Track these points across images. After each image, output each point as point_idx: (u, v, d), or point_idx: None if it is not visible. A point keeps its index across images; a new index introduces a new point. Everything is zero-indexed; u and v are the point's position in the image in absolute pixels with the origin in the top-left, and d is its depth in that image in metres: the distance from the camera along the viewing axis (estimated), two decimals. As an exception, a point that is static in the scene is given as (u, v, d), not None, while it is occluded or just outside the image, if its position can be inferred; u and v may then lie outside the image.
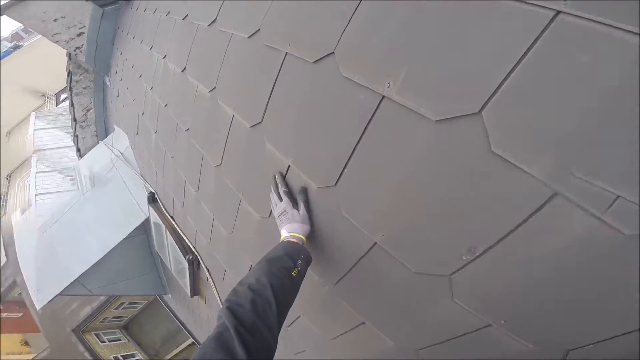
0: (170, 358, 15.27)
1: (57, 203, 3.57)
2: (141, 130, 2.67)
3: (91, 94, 4.27)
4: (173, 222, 2.42)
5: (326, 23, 0.89)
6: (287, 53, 1.01)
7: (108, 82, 3.89)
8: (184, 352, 14.92)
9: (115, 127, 3.86)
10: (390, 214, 0.79)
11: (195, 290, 2.86)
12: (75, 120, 4.39)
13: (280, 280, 0.77)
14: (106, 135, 4.60)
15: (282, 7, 1.07)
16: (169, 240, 2.60)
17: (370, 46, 0.77)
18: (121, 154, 3.28)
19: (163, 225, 2.57)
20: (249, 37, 1.20)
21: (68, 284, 3.20)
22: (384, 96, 0.74)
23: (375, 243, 0.84)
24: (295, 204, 0.99)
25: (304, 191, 0.98)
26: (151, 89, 2.26)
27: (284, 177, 1.06)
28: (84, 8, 3.26)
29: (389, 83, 0.73)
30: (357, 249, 0.90)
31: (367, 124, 0.79)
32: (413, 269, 0.78)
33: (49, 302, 3.23)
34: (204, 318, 3.16)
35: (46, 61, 23.86)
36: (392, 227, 0.80)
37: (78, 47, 3.62)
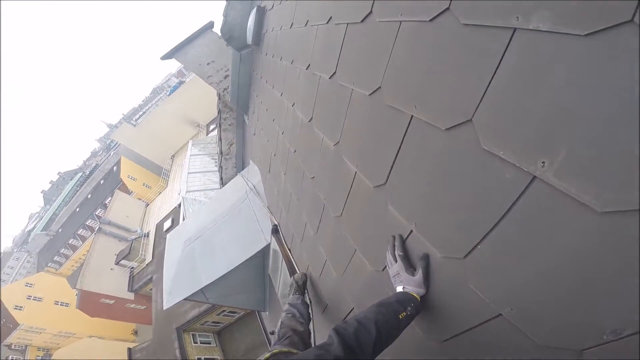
0: None
1: (201, 222, 4.26)
2: (272, 170, 3.01)
3: (234, 130, 5.09)
4: (289, 254, 2.63)
5: (459, 84, 0.80)
6: (412, 116, 0.98)
7: (247, 121, 4.57)
8: None
9: (251, 161, 4.48)
10: (527, 295, 0.71)
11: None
12: (221, 153, 5.28)
13: (385, 318, 0.91)
14: (243, 167, 5.39)
15: (403, 64, 1.02)
16: (283, 266, 2.85)
17: (519, 115, 0.67)
18: (254, 187, 3.77)
19: (280, 254, 2.83)
20: (369, 95, 1.20)
21: (194, 291, 3.80)
22: (535, 176, 0.64)
23: (500, 314, 0.78)
24: (409, 267, 1.03)
25: (426, 258, 0.98)
26: (282, 133, 2.53)
27: (403, 241, 1.07)
28: (227, 52, 3.99)
29: (543, 162, 0.62)
30: (477, 316, 0.85)
31: (512, 205, 0.70)
32: (539, 342, 0.71)
33: (175, 304, 3.85)
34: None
35: (201, 95, 29.86)
36: (524, 305, 0.73)
37: (225, 89, 4.40)
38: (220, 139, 5.22)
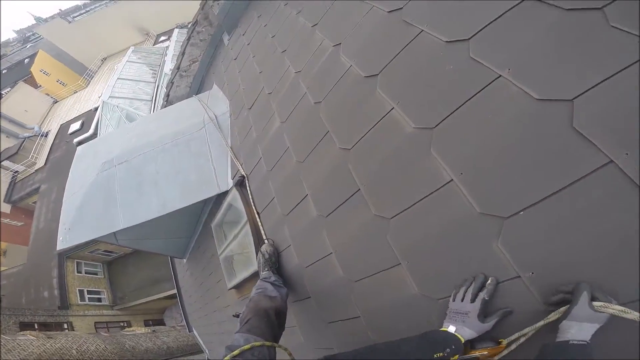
0: (132, 305, 15.45)
1: (130, 143, 3.41)
2: (258, 109, 2.43)
3: (204, 47, 4.27)
4: (257, 218, 2.18)
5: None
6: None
7: (226, 41, 3.83)
8: (149, 303, 14.86)
9: (215, 86, 3.77)
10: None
11: (238, 287, 2.77)
12: (178, 68, 4.42)
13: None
14: (199, 90, 4.60)
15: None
16: (244, 232, 2.40)
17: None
18: (215, 117, 3.13)
19: (245, 215, 2.34)
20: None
21: (105, 234, 3.08)
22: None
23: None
24: (481, 316, 0.93)
25: (505, 314, 0.91)
26: (297, 72, 2.00)
27: (496, 285, 0.93)
28: None
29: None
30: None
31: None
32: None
33: (73, 245, 3.11)
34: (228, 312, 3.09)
35: (162, 5, 26.79)
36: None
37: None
38: (182, 53, 4.34)
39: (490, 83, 0.93)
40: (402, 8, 1.32)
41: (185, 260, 5.28)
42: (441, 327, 0.98)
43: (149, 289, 15.08)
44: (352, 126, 1.42)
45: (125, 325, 15.43)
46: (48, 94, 29.41)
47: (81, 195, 3.16)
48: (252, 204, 2.31)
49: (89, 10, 31.04)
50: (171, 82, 4.58)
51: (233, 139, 2.83)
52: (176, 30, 15.87)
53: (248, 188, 2.36)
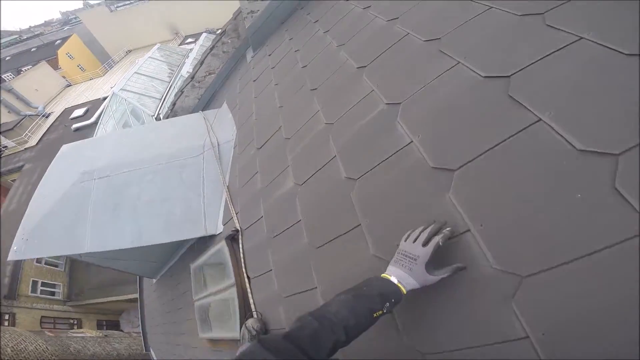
0: (87, 304, 14.19)
1: (117, 155, 2.92)
2: (271, 154, 1.93)
3: (225, 60, 3.88)
4: (248, 285, 1.73)
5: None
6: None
7: (249, 58, 3.42)
8: (106, 304, 13.60)
9: (225, 105, 3.32)
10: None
11: (212, 340, 2.28)
12: (192, 77, 4.01)
13: (357, 318, 0.78)
14: (208, 105, 4.17)
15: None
16: (229, 293, 1.92)
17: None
18: (218, 145, 2.64)
19: (232, 275, 1.84)
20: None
21: (67, 253, 2.56)
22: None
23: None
24: (431, 263, 0.83)
25: (457, 270, 0.82)
26: (328, 123, 1.54)
27: (451, 237, 0.85)
28: None
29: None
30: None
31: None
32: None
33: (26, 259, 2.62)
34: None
35: (196, 8, 27.34)
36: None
37: (252, 11, 3.21)
38: (201, 62, 3.95)
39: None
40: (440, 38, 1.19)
41: (154, 281, 4.68)
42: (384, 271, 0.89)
43: (110, 289, 13.94)
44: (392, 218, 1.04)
45: (75, 324, 14.09)
46: (64, 77, 29.47)
47: (50, 203, 2.66)
48: (243, 266, 1.79)
49: (132, 3, 31.85)
50: (181, 91, 4.16)
51: (232, 177, 2.33)
52: (204, 35, 15.87)
53: (241, 246, 1.84)
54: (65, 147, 3.44)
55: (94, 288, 14.56)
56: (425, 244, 0.83)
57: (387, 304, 0.81)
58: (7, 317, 12.10)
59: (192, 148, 2.70)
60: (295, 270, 1.36)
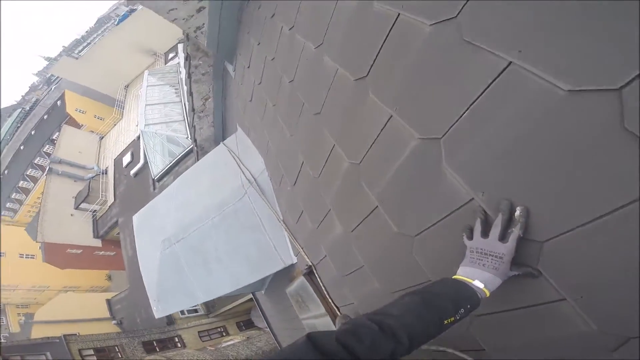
0: (222, 312, 16.69)
1: (179, 213, 3.26)
2: (307, 194, 1.89)
3: (210, 81, 3.76)
4: (332, 304, 1.89)
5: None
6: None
7: (232, 72, 3.26)
8: (236, 307, 15.94)
9: (240, 129, 3.29)
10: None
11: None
12: (193, 110, 4.00)
13: (424, 326, 0.69)
14: (223, 127, 4.18)
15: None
16: (325, 321, 2.12)
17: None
18: (254, 179, 2.69)
19: (320, 305, 2.00)
20: None
21: (190, 306, 3.17)
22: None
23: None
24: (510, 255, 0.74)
25: (529, 273, 0.73)
26: (353, 163, 1.33)
27: (528, 215, 0.71)
28: None
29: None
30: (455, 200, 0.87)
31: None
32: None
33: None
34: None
35: (157, 23, 26.11)
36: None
37: (198, 27, 3.01)
38: (190, 93, 3.89)
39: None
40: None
41: (263, 292, 5.18)
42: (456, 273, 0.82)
43: (233, 298, 16.23)
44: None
45: (223, 331, 16.83)
46: (92, 131, 31.23)
47: (155, 272, 3.19)
48: (328, 297, 1.91)
49: (89, 43, 31.46)
50: (192, 126, 4.21)
51: (283, 211, 2.39)
52: (180, 45, 15.37)
53: (319, 280, 1.95)
54: (136, 220, 3.95)
55: (221, 297, 16.98)
56: (502, 238, 0.74)
57: (462, 309, 0.73)
58: (176, 339, 14.85)
59: (234, 191, 2.79)
60: (376, 304, 1.41)
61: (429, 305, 0.72)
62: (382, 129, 1.08)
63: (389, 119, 1.04)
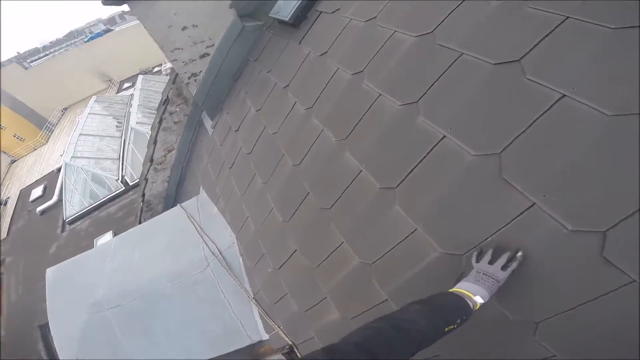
0: None
1: (117, 277, 2.76)
2: (297, 281, 1.72)
3: (180, 132, 3.47)
4: None
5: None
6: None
7: (209, 128, 3.03)
8: None
9: (203, 192, 2.96)
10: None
11: None
12: (151, 160, 3.59)
13: (432, 332, 0.77)
14: (179, 186, 3.78)
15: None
16: None
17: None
18: (220, 253, 2.33)
19: None
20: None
21: None
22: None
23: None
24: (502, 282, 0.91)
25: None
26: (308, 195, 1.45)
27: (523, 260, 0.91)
28: (221, 18, 2.45)
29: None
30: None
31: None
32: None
33: None
34: None
35: (126, 49, 25.52)
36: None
37: (194, 74, 2.78)
38: (155, 141, 3.52)
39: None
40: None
41: None
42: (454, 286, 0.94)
43: None
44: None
45: None
46: (5, 152, 27.38)
47: (75, 339, 2.67)
48: None
49: (47, 55, 29.34)
50: (145, 179, 3.74)
51: (254, 290, 2.11)
52: (140, 77, 14.89)
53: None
54: (49, 273, 3.27)
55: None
56: (503, 267, 0.90)
57: (459, 319, 0.82)
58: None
59: (194, 262, 2.44)
60: None
61: (436, 313, 0.81)
62: (403, 240, 1.17)
63: (412, 232, 1.14)
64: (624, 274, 0.71)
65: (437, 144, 1.08)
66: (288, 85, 1.95)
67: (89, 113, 14.41)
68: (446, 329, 0.79)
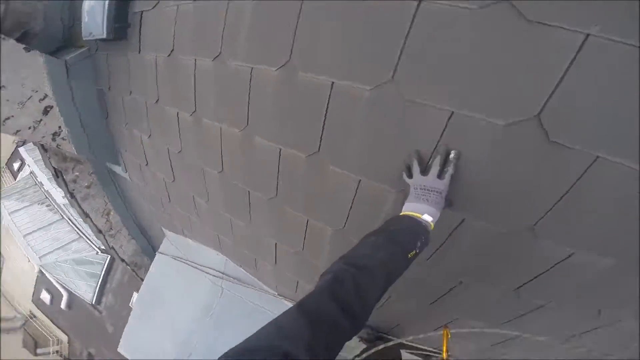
0: None
1: (170, 337, 2.72)
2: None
3: (99, 191, 3.14)
4: None
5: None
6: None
7: (123, 173, 2.73)
8: None
9: (167, 232, 2.81)
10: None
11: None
12: (100, 232, 3.34)
13: (396, 262, 0.73)
14: (144, 234, 3.59)
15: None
16: None
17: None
18: (223, 274, 2.31)
19: None
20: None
21: None
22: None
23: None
24: (446, 191, 0.85)
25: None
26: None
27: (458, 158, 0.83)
28: (28, 65, 1.96)
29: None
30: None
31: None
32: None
33: None
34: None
35: None
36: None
37: (55, 134, 2.33)
38: (86, 215, 3.22)
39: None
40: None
41: None
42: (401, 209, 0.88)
43: None
44: None
45: None
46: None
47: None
48: None
49: None
50: (111, 248, 3.54)
51: (273, 287, 2.19)
52: (22, 149, 12.94)
53: None
54: (122, 349, 3.12)
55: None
56: (439, 176, 0.83)
57: (419, 242, 0.77)
58: None
59: (209, 292, 2.46)
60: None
61: (394, 241, 0.75)
62: (355, 195, 1.13)
63: (359, 184, 1.09)
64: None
65: (330, 94, 0.97)
66: (158, 99, 1.68)
67: (10, 212, 13.04)
68: (409, 255, 0.74)
